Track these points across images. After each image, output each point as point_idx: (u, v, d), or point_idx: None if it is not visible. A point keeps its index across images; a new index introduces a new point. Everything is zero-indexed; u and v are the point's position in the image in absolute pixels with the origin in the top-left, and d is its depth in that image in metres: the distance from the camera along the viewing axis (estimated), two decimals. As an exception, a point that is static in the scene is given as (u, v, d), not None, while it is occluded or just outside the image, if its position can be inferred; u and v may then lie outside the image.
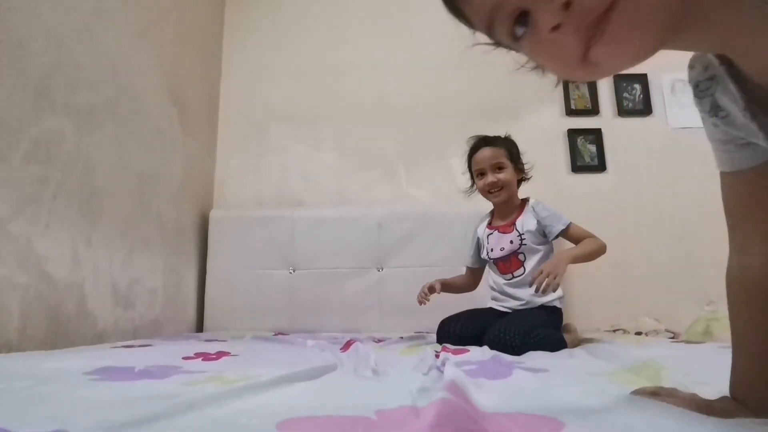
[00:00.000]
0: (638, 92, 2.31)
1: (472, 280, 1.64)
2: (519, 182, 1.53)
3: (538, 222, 1.45)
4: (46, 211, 1.14)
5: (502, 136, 1.55)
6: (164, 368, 0.79)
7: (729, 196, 0.51)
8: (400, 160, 2.28)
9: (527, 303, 1.43)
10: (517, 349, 1.17)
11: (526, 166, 1.54)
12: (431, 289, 1.50)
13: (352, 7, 2.48)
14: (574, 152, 2.25)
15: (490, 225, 1.56)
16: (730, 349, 0.52)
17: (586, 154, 2.25)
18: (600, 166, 2.23)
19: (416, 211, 2.08)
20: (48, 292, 1.15)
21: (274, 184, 2.29)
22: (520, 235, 1.45)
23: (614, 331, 1.86)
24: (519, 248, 1.46)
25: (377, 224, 2.07)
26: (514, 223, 1.48)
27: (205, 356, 0.98)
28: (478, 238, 1.59)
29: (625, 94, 2.31)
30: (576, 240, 1.42)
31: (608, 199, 2.21)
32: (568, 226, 1.43)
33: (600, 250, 1.39)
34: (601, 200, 2.20)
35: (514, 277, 1.47)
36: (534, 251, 1.45)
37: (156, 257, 1.69)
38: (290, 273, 2.05)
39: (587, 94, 2.31)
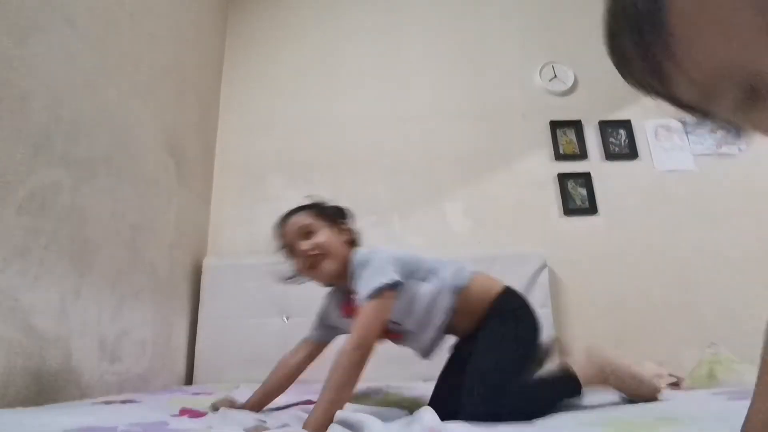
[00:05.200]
0: (623, 137, 2.38)
1: (309, 357, 1.18)
2: (351, 245, 1.15)
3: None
4: (36, 263, 1.13)
5: (308, 203, 1.20)
6: (149, 426, 0.76)
7: None
8: (393, 207, 2.31)
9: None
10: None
11: (348, 225, 1.16)
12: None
13: (346, 62, 2.58)
14: (565, 196, 2.28)
15: (343, 306, 1.17)
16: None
17: (577, 198, 2.29)
18: (591, 209, 2.26)
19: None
20: (33, 347, 1.12)
21: (268, 232, 2.29)
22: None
23: (616, 376, 1.80)
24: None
25: (372, 270, 2.04)
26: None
27: (193, 413, 0.94)
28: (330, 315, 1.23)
29: (611, 139, 2.38)
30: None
31: (602, 241, 2.22)
32: (364, 302, 0.98)
33: (349, 372, 0.96)
34: (595, 243, 2.22)
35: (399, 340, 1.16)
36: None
37: (146, 308, 1.66)
38: (284, 321, 2.01)
39: (575, 140, 2.38)
